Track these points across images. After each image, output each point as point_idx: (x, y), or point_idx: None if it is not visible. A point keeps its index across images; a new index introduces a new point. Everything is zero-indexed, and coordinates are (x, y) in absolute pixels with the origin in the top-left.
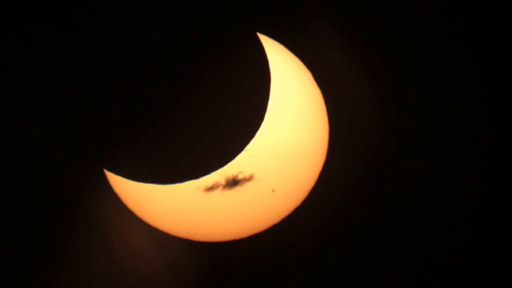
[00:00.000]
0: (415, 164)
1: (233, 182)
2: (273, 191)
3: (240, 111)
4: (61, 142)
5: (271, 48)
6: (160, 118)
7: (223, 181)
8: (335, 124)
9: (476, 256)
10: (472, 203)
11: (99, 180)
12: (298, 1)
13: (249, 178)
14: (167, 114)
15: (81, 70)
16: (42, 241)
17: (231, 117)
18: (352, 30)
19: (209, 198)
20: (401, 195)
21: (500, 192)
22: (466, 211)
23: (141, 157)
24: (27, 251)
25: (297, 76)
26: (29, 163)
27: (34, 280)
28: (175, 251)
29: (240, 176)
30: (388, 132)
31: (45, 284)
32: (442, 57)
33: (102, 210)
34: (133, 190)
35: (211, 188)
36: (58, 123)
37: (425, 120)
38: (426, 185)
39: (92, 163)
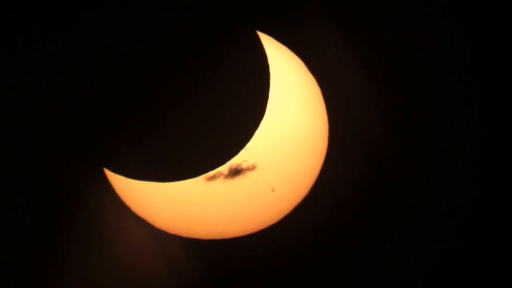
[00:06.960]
0: (416, 158)
1: (236, 171)
2: (273, 190)
3: (240, 110)
4: (61, 141)
5: (271, 46)
6: (159, 117)
7: (225, 171)
8: (335, 121)
9: (476, 256)
10: (472, 200)
11: (99, 179)
12: None
13: (252, 168)
14: (167, 112)
15: (80, 69)
16: (41, 240)
17: (230, 115)
18: (352, 28)
19: (209, 195)
20: (404, 190)
21: (500, 190)
22: (466, 208)
23: (141, 155)
24: (27, 251)
25: (297, 74)
26: (29, 163)
27: (34, 279)
28: (175, 249)
29: (244, 165)
30: (389, 127)
31: (45, 284)
32: (441, 49)
33: (102, 209)
34: (133, 189)
35: (213, 178)
36: (58, 123)
37: (424, 117)
38: (429, 180)
39: (92, 163)
